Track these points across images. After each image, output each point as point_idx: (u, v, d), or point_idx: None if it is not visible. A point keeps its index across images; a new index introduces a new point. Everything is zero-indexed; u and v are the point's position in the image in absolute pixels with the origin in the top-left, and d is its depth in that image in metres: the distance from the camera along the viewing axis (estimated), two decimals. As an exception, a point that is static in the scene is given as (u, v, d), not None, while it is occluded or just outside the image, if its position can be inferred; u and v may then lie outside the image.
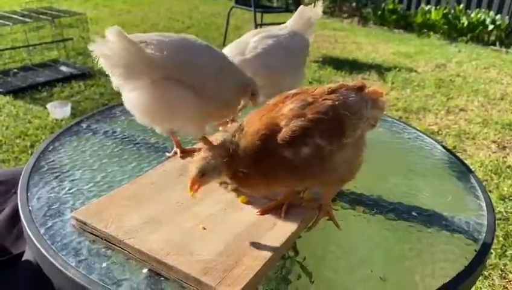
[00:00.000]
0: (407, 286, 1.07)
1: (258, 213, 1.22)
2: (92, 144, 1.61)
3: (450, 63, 6.92)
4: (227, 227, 1.16)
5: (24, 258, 1.60)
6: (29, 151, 3.88)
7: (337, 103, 1.13)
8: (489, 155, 4.17)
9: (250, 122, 1.13)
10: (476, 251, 1.18)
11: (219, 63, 1.46)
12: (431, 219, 1.31)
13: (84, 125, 1.74)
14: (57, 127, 4.29)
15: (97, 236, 1.13)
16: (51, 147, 1.57)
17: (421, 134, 1.83)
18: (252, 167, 1.08)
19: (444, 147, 1.72)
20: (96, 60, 1.31)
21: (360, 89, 1.24)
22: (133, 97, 1.41)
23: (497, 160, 4.07)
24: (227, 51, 1.70)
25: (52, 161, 1.48)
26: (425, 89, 5.74)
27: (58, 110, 4.47)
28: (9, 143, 4.02)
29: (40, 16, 5.66)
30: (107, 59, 1.30)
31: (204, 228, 1.15)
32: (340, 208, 1.32)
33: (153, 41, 1.36)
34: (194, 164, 1.11)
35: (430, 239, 1.23)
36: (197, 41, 1.47)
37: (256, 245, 1.10)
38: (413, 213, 1.33)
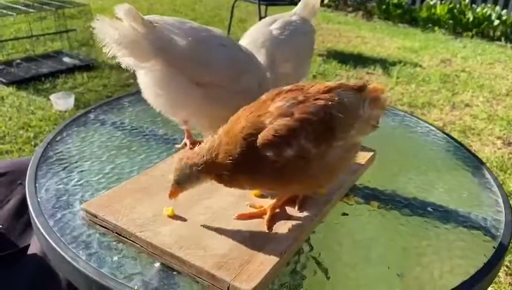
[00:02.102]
0: (425, 283, 1.04)
1: (235, 218, 1.16)
2: (100, 135, 1.58)
3: (455, 58, 6.88)
4: (240, 221, 1.14)
5: (30, 251, 1.58)
6: (33, 143, 3.87)
7: (330, 103, 1.06)
8: (495, 151, 4.15)
9: (235, 120, 1.08)
10: (494, 247, 1.16)
11: (238, 68, 1.41)
12: (447, 214, 1.28)
13: (91, 116, 1.71)
14: (61, 119, 4.27)
15: (107, 229, 1.11)
16: (59, 137, 1.54)
17: (433, 128, 1.80)
18: (236, 169, 1.04)
19: (457, 141, 1.69)
20: (100, 40, 1.26)
21: (360, 89, 1.16)
22: (141, 79, 1.40)
23: (502, 156, 4.04)
24: (246, 41, 1.65)
25: (60, 152, 1.45)
26: (430, 84, 5.71)
27: (62, 102, 4.44)
28: (13, 134, 3.99)
29: (44, 6, 5.62)
30: (112, 37, 1.26)
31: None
32: (355, 203, 1.30)
33: (166, 25, 1.33)
34: (174, 166, 1.10)
35: (447, 235, 1.20)
36: (220, 37, 1.42)
37: (270, 239, 1.07)
38: (429, 209, 1.30)
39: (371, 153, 1.47)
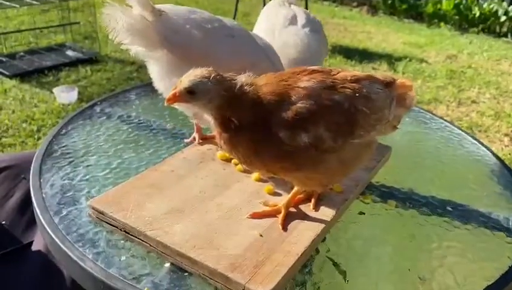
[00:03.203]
0: (449, 288, 0.99)
1: (249, 217, 1.09)
2: (106, 128, 1.53)
3: (461, 54, 6.82)
4: (253, 219, 1.09)
5: (34, 248, 1.53)
6: (36, 136, 3.83)
7: (357, 95, 0.99)
8: (502, 149, 4.10)
9: (267, 80, 1.00)
10: (519, 249, 1.11)
11: (245, 60, 1.34)
12: (467, 214, 1.24)
13: (97, 109, 1.66)
14: (64, 112, 4.22)
15: (115, 227, 1.06)
16: (64, 130, 1.49)
17: (448, 124, 1.75)
18: (245, 126, 0.95)
19: (474, 138, 1.64)
20: (108, 26, 1.23)
21: (389, 84, 1.07)
22: (150, 68, 1.37)
23: (510, 153, 3.99)
24: (265, 29, 1.61)
25: (66, 146, 1.41)
26: (437, 80, 5.65)
27: (65, 95, 4.39)
28: (16, 127, 3.95)
29: (47, -2, 5.58)
30: (121, 24, 1.22)
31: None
32: (371, 201, 1.25)
33: (174, 15, 1.29)
34: (187, 76, 0.96)
35: (468, 236, 1.16)
36: (230, 28, 1.37)
37: (286, 240, 1.03)
38: (448, 208, 1.25)
39: (387, 150, 1.42)
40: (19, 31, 5.92)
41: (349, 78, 1.02)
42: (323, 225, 1.08)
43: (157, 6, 1.27)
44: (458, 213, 1.23)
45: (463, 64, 6.35)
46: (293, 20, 1.64)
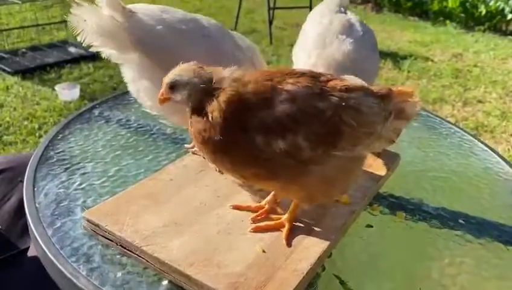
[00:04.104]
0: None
1: (251, 230, 1.04)
2: (104, 133, 1.48)
3: (466, 52, 6.74)
4: (256, 233, 1.03)
5: (30, 253, 1.49)
6: (37, 134, 3.79)
7: (343, 105, 0.92)
8: (509, 149, 4.05)
9: (252, 77, 0.95)
10: (535, 267, 1.06)
11: (222, 62, 1.28)
12: (480, 227, 1.18)
13: (96, 112, 1.61)
14: (66, 110, 4.19)
15: (111, 240, 1.01)
16: (60, 135, 1.44)
17: (458, 129, 1.69)
18: (218, 123, 0.90)
19: (485, 144, 1.58)
20: (76, 28, 1.20)
21: (385, 97, 0.99)
22: (122, 69, 1.33)
23: (517, 155, 3.94)
24: (316, 35, 1.48)
25: (62, 151, 1.35)
26: (442, 79, 5.58)
27: (67, 92, 4.36)
28: (17, 125, 3.92)
29: (49, -6, 5.54)
30: (88, 26, 1.18)
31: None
32: (380, 213, 1.19)
33: (145, 15, 1.24)
34: (171, 72, 0.97)
35: (482, 251, 1.10)
36: (206, 28, 1.32)
37: (290, 256, 0.97)
38: (460, 221, 1.19)
39: (396, 158, 1.36)
40: (21, 27, 5.88)
41: (339, 87, 0.95)
42: (329, 240, 1.03)
43: (128, 6, 1.23)
44: (471, 226, 1.18)
45: (469, 63, 6.27)
46: (349, 31, 1.47)
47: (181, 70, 0.96)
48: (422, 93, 5.08)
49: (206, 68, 0.96)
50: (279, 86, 0.92)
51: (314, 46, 1.40)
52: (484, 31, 8.00)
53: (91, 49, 1.25)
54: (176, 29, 1.25)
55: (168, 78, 0.97)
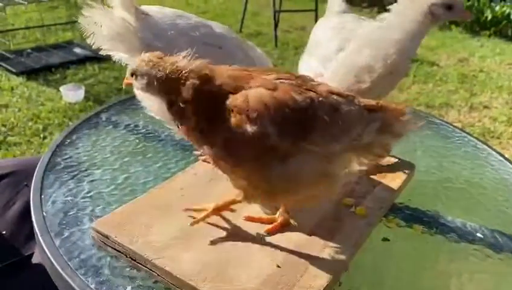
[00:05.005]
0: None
1: (244, 218, 1.08)
2: (112, 138, 1.45)
3: (472, 57, 6.69)
4: (270, 247, 1.00)
5: (34, 260, 1.46)
6: (41, 135, 3.77)
7: (320, 99, 0.90)
8: (517, 156, 4.00)
9: (226, 69, 0.96)
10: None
11: None
12: (500, 241, 1.14)
13: (103, 116, 1.58)
14: (70, 111, 4.17)
15: (121, 252, 0.98)
16: (68, 140, 1.41)
17: (472, 138, 1.65)
18: (189, 112, 0.91)
19: (500, 154, 1.55)
20: (86, 30, 1.17)
21: (370, 108, 0.96)
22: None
23: (525, 162, 3.89)
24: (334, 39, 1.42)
25: (69, 157, 1.33)
26: (448, 83, 5.54)
27: (72, 94, 4.34)
28: (22, 126, 3.90)
29: (55, -5, 5.52)
30: (100, 28, 1.15)
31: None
32: (395, 225, 1.16)
33: (158, 19, 1.22)
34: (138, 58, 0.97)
35: (502, 267, 1.07)
36: (219, 36, 1.29)
37: (306, 272, 0.94)
38: (478, 234, 1.16)
39: (411, 167, 1.33)
40: (27, 27, 5.87)
41: (321, 89, 0.93)
42: (346, 254, 0.99)
43: (142, 8, 1.20)
44: (490, 240, 1.14)
45: (474, 67, 6.23)
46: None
47: (142, 60, 0.96)
48: (428, 98, 5.05)
49: (166, 59, 0.95)
50: (257, 75, 0.92)
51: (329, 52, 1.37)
52: (490, 35, 7.95)
53: (101, 52, 1.22)
54: (189, 36, 1.22)
55: (131, 65, 0.99)
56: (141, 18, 1.18)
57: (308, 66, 1.44)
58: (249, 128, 0.87)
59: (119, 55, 1.23)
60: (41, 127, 3.89)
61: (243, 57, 1.32)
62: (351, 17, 1.50)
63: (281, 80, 0.92)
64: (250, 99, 0.87)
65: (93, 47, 1.19)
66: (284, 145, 0.88)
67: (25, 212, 1.56)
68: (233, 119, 0.88)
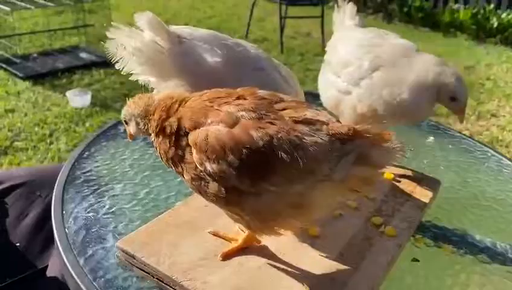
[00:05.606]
0: None
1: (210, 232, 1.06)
2: (131, 151, 1.43)
3: (478, 65, 6.67)
4: (299, 268, 0.97)
5: (49, 273, 1.44)
6: (48, 140, 3.76)
7: (279, 136, 0.81)
8: (526, 166, 3.96)
9: (193, 101, 0.95)
10: None
11: None
12: (532, 263, 1.12)
13: (121, 128, 1.55)
14: (77, 116, 4.16)
15: (147, 273, 0.95)
16: (86, 153, 1.39)
17: (494, 153, 1.62)
18: (165, 143, 0.93)
19: (524, 170, 1.52)
20: (113, 54, 1.10)
21: (345, 136, 0.83)
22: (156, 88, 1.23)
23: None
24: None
25: (89, 171, 1.30)
26: (455, 92, 5.51)
27: (78, 99, 4.33)
28: (28, 131, 3.89)
29: (62, 0, 5.51)
30: (129, 51, 1.09)
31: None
32: (424, 244, 1.13)
33: (195, 41, 1.15)
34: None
35: (536, 290, 1.04)
36: (257, 58, 1.24)
37: (339, 295, 0.91)
38: (510, 255, 1.13)
39: (437, 184, 1.31)
40: (33, 32, 5.86)
41: (288, 116, 0.86)
42: (377, 277, 0.97)
43: (174, 29, 1.14)
44: (522, 261, 1.11)
45: (481, 75, 6.21)
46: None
47: (125, 107, 1.04)
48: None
49: (141, 97, 1.02)
50: (217, 108, 0.89)
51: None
52: (496, 43, 7.94)
53: (131, 78, 1.17)
54: (229, 61, 1.16)
55: (121, 117, 1.06)
56: (176, 42, 1.12)
57: (335, 85, 1.39)
58: (209, 167, 0.85)
59: (147, 78, 1.17)
60: (47, 132, 3.89)
61: (279, 76, 1.27)
62: (373, 32, 1.45)
63: (243, 112, 0.86)
64: (210, 139, 0.84)
65: (123, 72, 1.13)
66: (243, 186, 0.85)
67: (38, 224, 1.54)
68: (196, 157, 0.86)
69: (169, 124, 0.91)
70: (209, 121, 0.87)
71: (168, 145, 0.92)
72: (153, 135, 0.97)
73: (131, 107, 1.01)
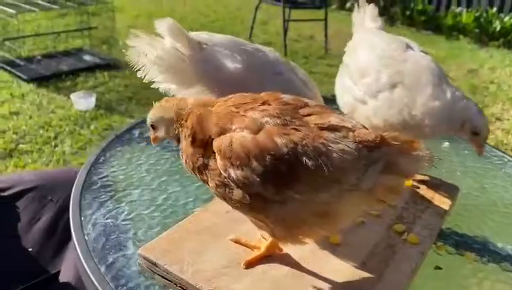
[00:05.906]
0: None
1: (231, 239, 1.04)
2: (147, 156, 1.41)
3: (482, 68, 6.67)
4: (323, 277, 0.96)
5: (62, 278, 1.42)
6: (53, 143, 3.75)
7: (304, 142, 0.80)
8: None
9: (219, 106, 0.94)
10: None
11: None
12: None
13: (135, 132, 1.54)
14: (81, 119, 4.15)
15: (169, 281, 0.94)
16: (102, 158, 1.38)
17: (510, 158, 1.61)
18: (186, 146, 0.93)
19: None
20: (135, 62, 1.10)
21: (372, 143, 0.82)
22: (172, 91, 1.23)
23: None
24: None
25: (105, 176, 1.29)
26: (459, 95, 5.50)
27: (83, 101, 4.32)
28: (33, 133, 3.88)
29: (66, 2, 5.50)
30: (151, 59, 1.09)
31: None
32: (446, 252, 1.12)
33: (216, 47, 1.15)
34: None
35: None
36: (275, 63, 1.24)
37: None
38: (532, 263, 1.12)
39: (455, 190, 1.30)
40: (37, 34, 5.86)
41: (313, 123, 0.85)
42: (401, 285, 0.96)
43: (194, 35, 1.14)
44: (544, 269, 1.10)
45: (484, 79, 6.21)
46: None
47: (152, 111, 1.01)
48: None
49: (170, 100, 1.00)
50: (243, 113, 0.88)
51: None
52: (498, 46, 7.94)
53: (153, 86, 1.16)
54: (250, 66, 1.17)
55: (148, 119, 1.02)
56: (197, 48, 1.12)
57: (351, 91, 1.38)
58: (233, 174, 0.84)
59: (168, 86, 1.17)
60: (52, 135, 3.87)
61: (298, 79, 1.27)
62: (396, 42, 1.39)
63: (267, 118, 0.85)
64: (234, 145, 0.84)
65: (145, 81, 1.13)
66: (268, 193, 0.84)
67: (51, 228, 1.52)
68: (220, 163, 0.86)
69: (203, 136, 0.90)
70: (234, 127, 0.86)
71: (198, 155, 0.90)
72: (184, 141, 0.94)
73: (161, 111, 0.99)
